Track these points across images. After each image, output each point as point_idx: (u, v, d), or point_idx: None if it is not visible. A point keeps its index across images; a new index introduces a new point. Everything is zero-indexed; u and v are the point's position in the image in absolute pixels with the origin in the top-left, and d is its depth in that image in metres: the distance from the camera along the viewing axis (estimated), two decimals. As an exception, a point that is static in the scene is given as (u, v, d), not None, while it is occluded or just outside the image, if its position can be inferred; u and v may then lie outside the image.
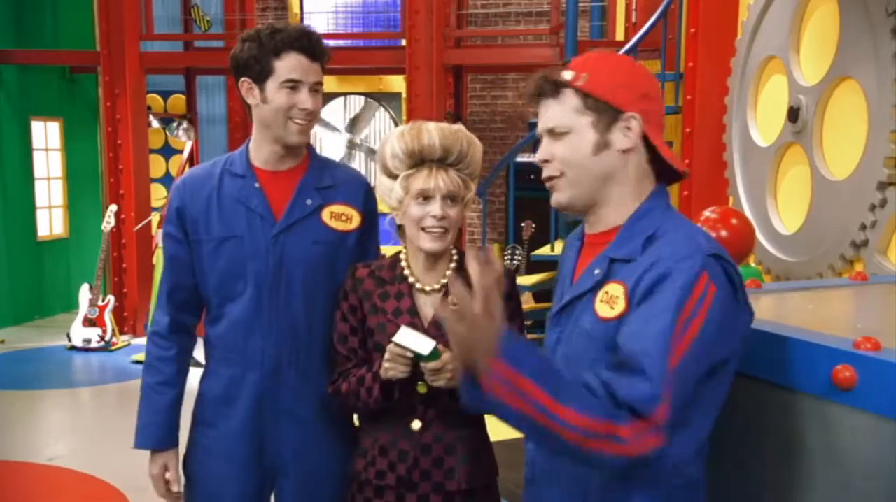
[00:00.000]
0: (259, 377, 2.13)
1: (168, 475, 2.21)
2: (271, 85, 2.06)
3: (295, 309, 2.12)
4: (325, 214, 2.14)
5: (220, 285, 2.14)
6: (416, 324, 1.93)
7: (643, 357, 1.35)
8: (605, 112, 1.52)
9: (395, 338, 1.81)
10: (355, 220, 2.17)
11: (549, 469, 1.61)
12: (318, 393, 2.14)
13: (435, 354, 1.80)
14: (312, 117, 2.10)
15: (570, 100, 1.55)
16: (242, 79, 2.10)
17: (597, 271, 1.52)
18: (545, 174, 1.59)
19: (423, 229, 1.93)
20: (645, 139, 1.54)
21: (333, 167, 2.25)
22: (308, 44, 2.06)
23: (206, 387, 2.21)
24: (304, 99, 2.07)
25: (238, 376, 2.14)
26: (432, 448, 1.95)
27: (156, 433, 2.20)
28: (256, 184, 2.13)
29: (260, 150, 2.15)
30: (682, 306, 1.37)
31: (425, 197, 1.92)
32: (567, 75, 1.55)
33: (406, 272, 2.00)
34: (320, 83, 2.12)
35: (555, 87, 1.56)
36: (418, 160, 1.92)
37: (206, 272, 2.15)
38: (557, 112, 1.56)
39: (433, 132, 1.92)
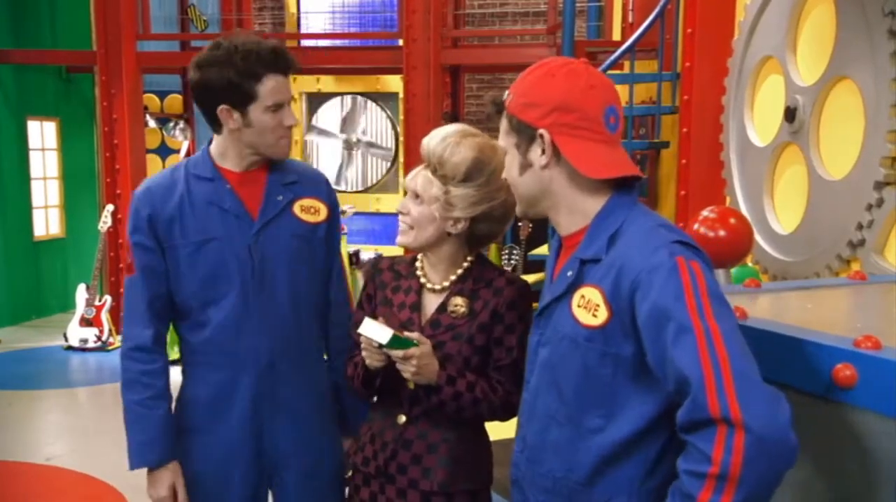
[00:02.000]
0: (254, 376, 2.13)
1: (178, 493, 2.12)
2: (255, 109, 2.06)
3: (281, 304, 2.14)
4: (297, 208, 2.19)
5: (202, 289, 2.12)
6: (413, 319, 1.96)
7: (690, 387, 1.31)
8: (525, 132, 1.54)
9: (360, 328, 1.85)
10: (323, 212, 2.23)
11: (532, 472, 1.60)
12: (313, 386, 2.19)
13: (400, 343, 1.83)
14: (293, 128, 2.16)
15: (504, 121, 1.59)
16: (221, 106, 2.06)
17: (569, 273, 1.53)
18: None
19: None
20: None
21: (291, 163, 2.27)
22: (284, 64, 2.08)
23: (192, 394, 2.17)
24: (288, 115, 2.12)
25: (228, 379, 2.13)
26: (413, 444, 1.96)
27: (156, 449, 2.11)
28: (227, 186, 2.14)
29: (226, 156, 2.15)
30: (683, 298, 1.35)
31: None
32: (505, 95, 1.59)
33: (419, 272, 2.02)
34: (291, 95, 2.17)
35: (497, 110, 1.61)
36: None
37: (184, 277, 2.12)
38: (500, 132, 1.61)
39: (432, 137, 1.96)
